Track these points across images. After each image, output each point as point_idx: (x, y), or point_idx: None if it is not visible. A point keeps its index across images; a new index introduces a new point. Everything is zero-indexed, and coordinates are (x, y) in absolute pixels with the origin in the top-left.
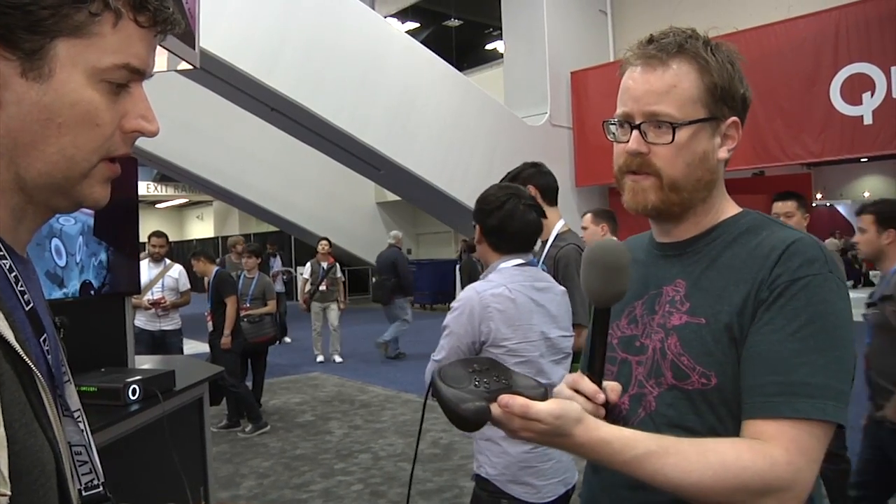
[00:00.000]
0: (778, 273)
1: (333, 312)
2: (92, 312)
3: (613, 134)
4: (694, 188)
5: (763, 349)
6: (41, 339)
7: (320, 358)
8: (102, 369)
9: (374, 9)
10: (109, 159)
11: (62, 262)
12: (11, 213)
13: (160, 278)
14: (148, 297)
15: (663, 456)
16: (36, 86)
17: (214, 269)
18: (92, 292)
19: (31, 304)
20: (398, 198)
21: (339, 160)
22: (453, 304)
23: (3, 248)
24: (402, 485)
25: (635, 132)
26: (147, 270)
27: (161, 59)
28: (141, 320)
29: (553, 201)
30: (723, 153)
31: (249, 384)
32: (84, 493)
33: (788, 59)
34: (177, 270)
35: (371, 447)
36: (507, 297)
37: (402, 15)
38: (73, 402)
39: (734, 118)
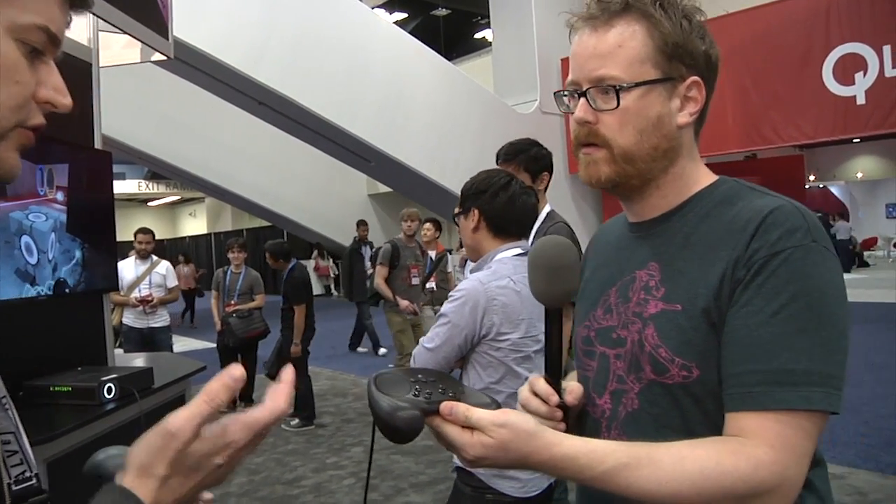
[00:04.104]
0: (755, 248)
1: None
2: (68, 310)
3: (566, 105)
4: (650, 157)
5: (741, 334)
6: None
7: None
8: (79, 368)
9: (361, 0)
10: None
11: (33, 260)
12: None
13: (147, 275)
14: (135, 294)
15: (636, 468)
16: None
17: (288, 265)
18: (67, 290)
19: None
20: (390, 189)
21: (328, 153)
22: (453, 293)
23: None
24: (394, 477)
25: (582, 100)
26: (134, 268)
27: (135, 50)
28: (129, 318)
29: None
30: (683, 118)
31: None
32: (14, 487)
33: (780, 40)
34: (164, 267)
35: (363, 441)
36: (513, 290)
37: (390, 5)
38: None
39: (694, 77)
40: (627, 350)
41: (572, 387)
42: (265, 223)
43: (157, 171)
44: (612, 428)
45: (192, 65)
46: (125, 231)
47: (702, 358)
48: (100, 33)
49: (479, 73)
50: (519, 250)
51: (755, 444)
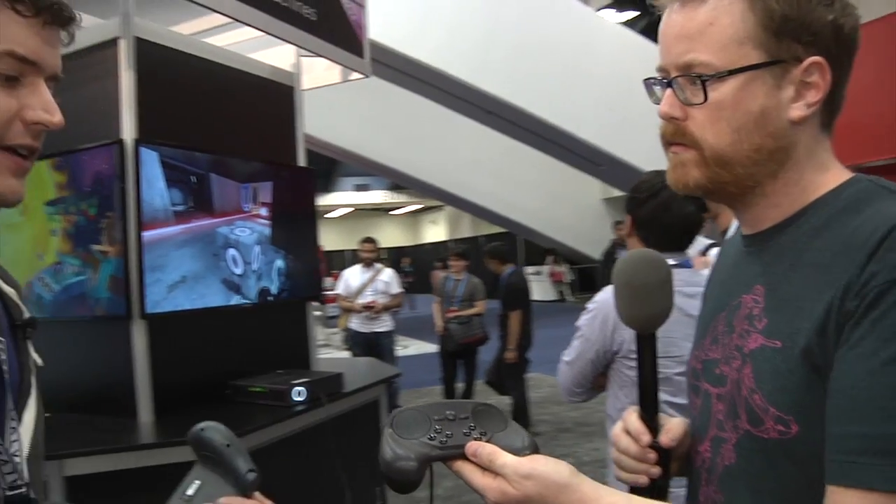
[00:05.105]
0: (873, 271)
1: None
2: (273, 317)
3: (657, 96)
4: (751, 161)
5: (845, 384)
6: None
7: None
8: (279, 371)
9: (588, 2)
10: (13, 152)
11: (238, 271)
12: None
13: (371, 282)
14: (360, 300)
15: None
16: None
17: (507, 269)
18: (270, 298)
19: None
20: (624, 193)
21: (558, 158)
22: (588, 305)
23: None
24: None
25: (668, 91)
26: (359, 275)
27: (334, 71)
28: (355, 323)
29: None
30: (797, 110)
31: (461, 385)
32: (8, 493)
33: None
34: (387, 274)
35: (576, 451)
36: None
37: (619, 4)
38: (11, 400)
39: (815, 58)
40: (727, 391)
41: (672, 425)
42: (502, 229)
43: (398, 182)
44: (711, 482)
45: (420, 79)
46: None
47: (801, 410)
48: (301, 58)
49: None
50: (670, 261)
51: None
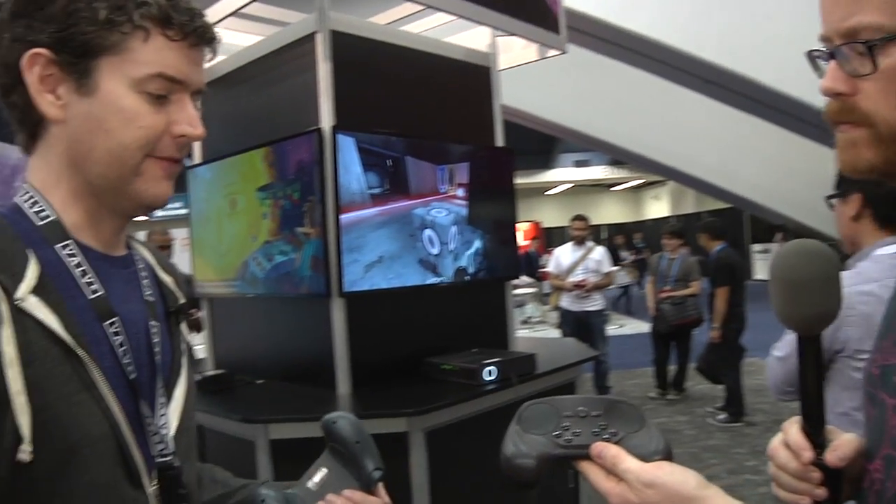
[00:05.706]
0: None
1: None
2: (470, 296)
3: (821, 70)
4: None
5: None
6: (109, 323)
7: None
8: (474, 350)
9: None
10: (162, 158)
11: (435, 251)
12: (89, 215)
13: (582, 261)
14: (571, 279)
15: None
16: (87, 100)
17: (716, 246)
18: (467, 278)
19: (99, 293)
20: None
21: (785, 126)
22: None
23: (75, 247)
24: None
25: (831, 63)
26: (570, 253)
27: (531, 50)
28: (566, 301)
29: None
30: None
31: (674, 367)
32: (158, 461)
33: None
34: (598, 252)
35: None
36: (879, 298)
37: None
38: (161, 379)
39: None
40: None
41: (842, 441)
42: (727, 205)
43: (617, 157)
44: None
45: (635, 49)
46: (594, 215)
47: None
48: (497, 39)
49: None
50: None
51: None
